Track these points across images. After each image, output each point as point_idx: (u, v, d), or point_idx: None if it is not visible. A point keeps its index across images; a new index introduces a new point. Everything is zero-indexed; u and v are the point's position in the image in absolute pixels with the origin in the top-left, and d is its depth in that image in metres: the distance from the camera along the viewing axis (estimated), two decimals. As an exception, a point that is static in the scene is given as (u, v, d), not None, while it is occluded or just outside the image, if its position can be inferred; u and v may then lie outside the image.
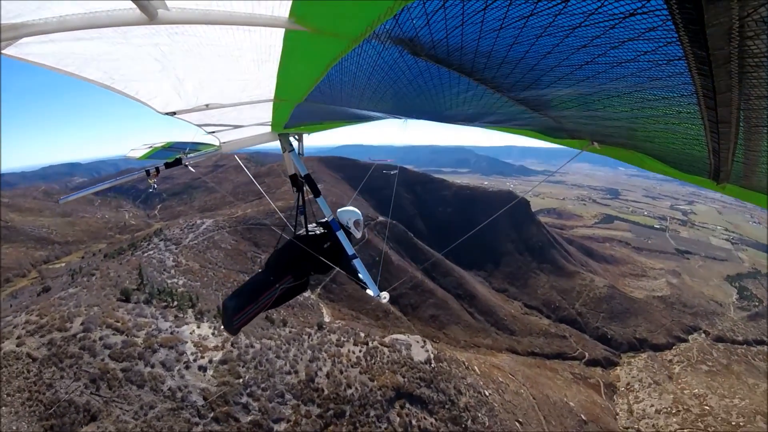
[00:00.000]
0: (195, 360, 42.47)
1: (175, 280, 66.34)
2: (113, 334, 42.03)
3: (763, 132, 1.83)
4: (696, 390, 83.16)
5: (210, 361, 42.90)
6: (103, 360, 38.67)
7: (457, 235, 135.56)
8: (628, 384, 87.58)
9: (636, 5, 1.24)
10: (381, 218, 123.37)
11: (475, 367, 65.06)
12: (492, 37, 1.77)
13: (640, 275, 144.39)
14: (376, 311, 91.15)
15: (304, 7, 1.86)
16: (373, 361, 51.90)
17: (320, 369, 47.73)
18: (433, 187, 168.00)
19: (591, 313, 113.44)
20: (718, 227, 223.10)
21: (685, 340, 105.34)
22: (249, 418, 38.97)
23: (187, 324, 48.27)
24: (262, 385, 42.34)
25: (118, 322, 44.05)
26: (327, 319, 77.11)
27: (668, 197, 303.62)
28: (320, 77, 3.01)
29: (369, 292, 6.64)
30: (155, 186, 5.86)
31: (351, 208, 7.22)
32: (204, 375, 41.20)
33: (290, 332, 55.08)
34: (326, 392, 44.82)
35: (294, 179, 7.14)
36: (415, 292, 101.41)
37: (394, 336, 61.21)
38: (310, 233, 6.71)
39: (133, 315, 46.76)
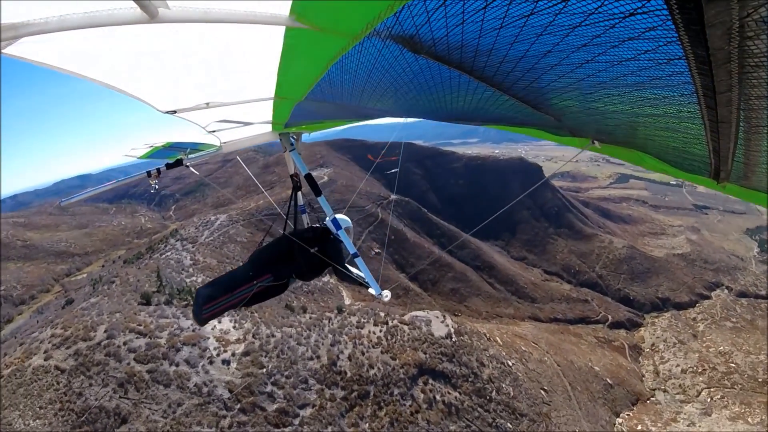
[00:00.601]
0: (218, 354, 43.19)
1: (194, 279, 66.79)
2: (136, 338, 42.88)
3: (763, 132, 1.83)
4: (721, 347, 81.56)
5: (233, 354, 43.60)
6: (128, 364, 39.60)
7: (471, 207, 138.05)
8: (652, 345, 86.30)
9: (636, 5, 1.24)
10: (393, 196, 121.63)
11: (497, 338, 64.73)
12: (492, 35, 1.77)
13: (659, 233, 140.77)
14: (396, 290, 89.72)
15: (305, 4, 1.87)
16: (393, 340, 51.92)
17: (342, 352, 47.95)
18: (443, 160, 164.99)
19: (612, 275, 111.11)
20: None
21: (708, 297, 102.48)
22: (275, 406, 39.60)
23: None
24: (286, 373, 42.86)
25: (140, 325, 44.87)
26: (347, 301, 76.77)
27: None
28: (321, 75, 3.01)
29: (371, 291, 6.57)
30: (156, 187, 5.94)
31: (343, 216, 7.03)
32: (228, 368, 41.96)
33: (310, 318, 55.24)
34: (349, 374, 45.13)
35: (293, 178, 7.09)
36: (434, 267, 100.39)
37: (414, 313, 61.17)
38: (298, 235, 6.52)
39: (154, 317, 47.52)
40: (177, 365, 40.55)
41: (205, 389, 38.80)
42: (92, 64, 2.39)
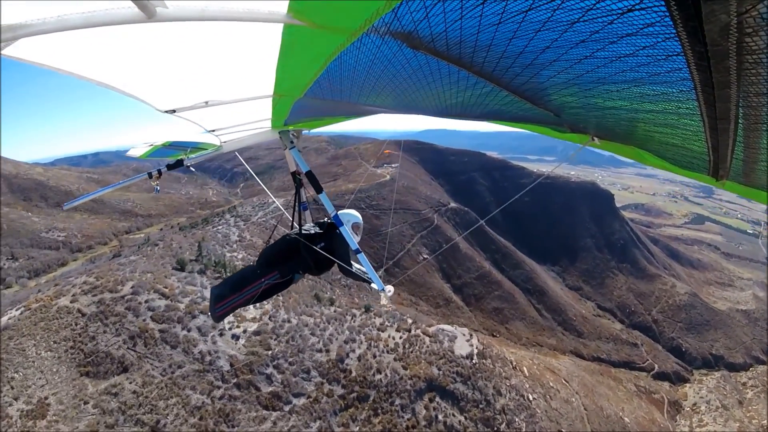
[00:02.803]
0: (230, 329, 44.44)
1: (235, 254, 68.16)
2: (159, 298, 45.36)
3: (762, 129, 1.82)
4: (765, 421, 75.04)
5: (244, 331, 44.66)
6: (144, 320, 42.03)
7: (534, 226, 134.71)
8: (694, 404, 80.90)
9: (634, 1, 1.24)
10: (453, 204, 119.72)
11: (524, 368, 61.49)
12: (491, 31, 1.77)
13: (726, 284, 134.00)
14: (437, 298, 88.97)
15: (303, 2, 1.87)
16: (411, 350, 50.91)
17: (353, 351, 47.76)
18: (511, 174, 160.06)
19: (668, 321, 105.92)
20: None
21: (764, 363, 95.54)
22: (270, 389, 40.29)
23: None
24: (290, 360, 43.39)
25: (166, 288, 47.27)
26: (384, 301, 76.01)
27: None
28: (319, 72, 3.01)
29: (373, 286, 6.52)
30: (158, 189, 6.01)
31: (351, 211, 7.13)
32: (236, 343, 43.12)
33: (334, 312, 55.16)
34: (354, 374, 44.95)
35: (294, 176, 7.09)
36: (481, 283, 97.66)
37: (441, 326, 59.01)
38: (303, 232, 6.66)
39: (182, 283, 49.60)
40: (188, 330, 42.46)
41: (207, 358, 40.30)
42: (91, 64, 2.40)
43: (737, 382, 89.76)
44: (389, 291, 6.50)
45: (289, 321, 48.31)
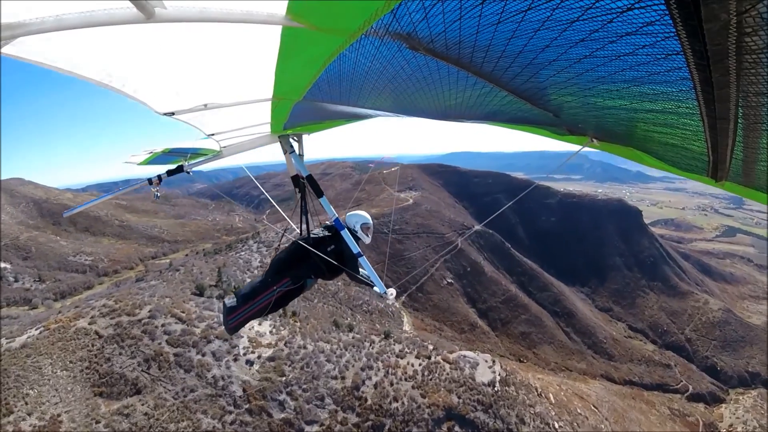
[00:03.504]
0: (245, 354, 44.14)
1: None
2: (175, 323, 45.40)
3: (762, 129, 1.81)
4: None
5: (258, 357, 44.26)
6: (159, 344, 42.16)
7: (561, 247, 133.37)
8: (730, 425, 77.36)
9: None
10: (476, 227, 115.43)
11: (551, 395, 58.97)
12: (490, 30, 1.77)
13: (760, 297, 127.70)
14: (462, 324, 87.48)
15: (302, 4, 1.87)
16: (430, 377, 49.14)
17: (369, 378, 46.56)
18: (536, 194, 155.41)
19: (702, 339, 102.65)
20: None
21: None
22: (282, 416, 39.72)
23: None
24: (304, 386, 42.69)
25: (183, 312, 47.25)
26: (407, 327, 75.88)
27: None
28: (318, 74, 3.02)
29: (375, 289, 6.51)
30: (158, 195, 5.96)
31: (360, 212, 7.14)
32: (249, 369, 42.78)
33: (353, 338, 54.05)
34: (369, 402, 43.80)
35: (295, 180, 7.10)
36: (507, 307, 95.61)
37: (462, 352, 56.82)
38: (312, 236, 6.66)
39: (200, 308, 49.52)
40: (203, 355, 42.40)
41: (221, 383, 40.15)
42: (89, 63, 2.40)
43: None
44: (391, 294, 6.42)
45: (304, 347, 47.69)
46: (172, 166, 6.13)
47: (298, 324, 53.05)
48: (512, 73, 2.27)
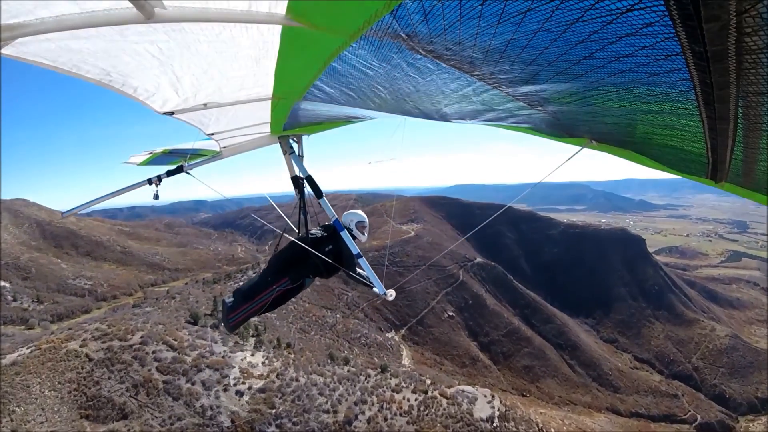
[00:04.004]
0: (235, 384, 43.65)
1: None
2: (167, 350, 45.29)
3: (762, 129, 1.81)
4: None
5: (249, 388, 43.70)
6: (149, 370, 41.90)
7: (565, 278, 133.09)
8: None
9: (633, 0, 1.24)
10: (479, 259, 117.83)
11: (552, 430, 58.17)
12: (490, 32, 1.77)
13: None
14: (463, 357, 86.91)
15: (301, 4, 1.88)
16: (426, 412, 47.43)
17: (363, 413, 45.41)
18: (539, 225, 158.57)
19: (709, 367, 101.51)
20: None
21: None
22: None
23: (242, 351, 49.82)
24: (294, 419, 41.80)
25: (175, 340, 47.20)
26: (406, 361, 75.43)
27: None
28: (318, 74, 3.03)
29: (375, 290, 6.51)
30: (158, 195, 5.93)
31: (356, 210, 7.21)
32: (239, 400, 42.19)
33: (348, 371, 53.41)
34: (362, 437, 43.24)
35: (295, 181, 7.12)
36: (509, 340, 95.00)
37: (461, 387, 55.23)
38: (310, 236, 6.71)
39: (193, 336, 49.46)
40: (193, 384, 42.02)
41: (209, 413, 39.61)
42: (89, 63, 2.40)
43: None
44: (390, 295, 6.43)
45: (297, 380, 47.01)
46: (172, 167, 6.14)
47: (292, 356, 52.83)
48: (511, 75, 2.28)
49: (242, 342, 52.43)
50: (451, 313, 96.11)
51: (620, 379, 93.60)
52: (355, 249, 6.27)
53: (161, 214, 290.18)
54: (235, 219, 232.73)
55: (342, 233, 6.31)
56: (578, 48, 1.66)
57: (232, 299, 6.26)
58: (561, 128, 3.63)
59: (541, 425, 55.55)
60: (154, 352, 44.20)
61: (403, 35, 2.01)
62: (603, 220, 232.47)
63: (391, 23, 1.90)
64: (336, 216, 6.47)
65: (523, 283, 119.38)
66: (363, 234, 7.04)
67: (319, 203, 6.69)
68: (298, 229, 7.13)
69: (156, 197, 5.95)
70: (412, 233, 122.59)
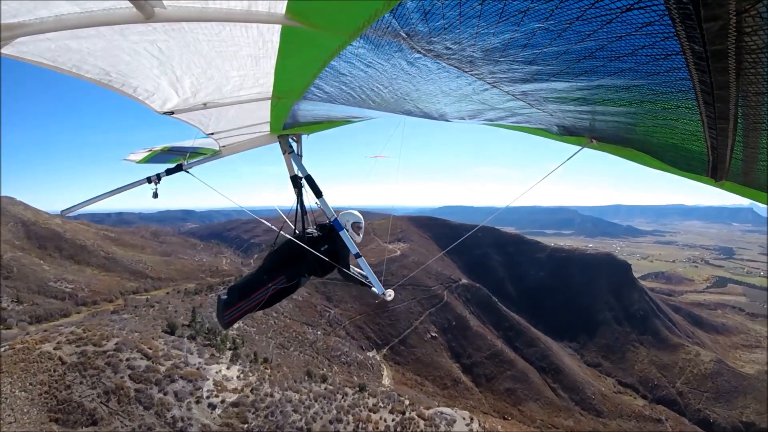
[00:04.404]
0: (208, 397, 43.12)
1: None
2: (140, 358, 44.65)
3: (762, 129, 1.81)
4: None
5: (222, 401, 43.15)
6: (122, 378, 41.33)
7: (550, 301, 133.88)
8: None
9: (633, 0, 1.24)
10: (464, 280, 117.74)
11: None
12: (489, 31, 1.77)
13: (753, 346, 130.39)
14: (444, 379, 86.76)
15: (301, 3, 1.88)
16: None
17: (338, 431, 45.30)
18: (526, 248, 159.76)
19: (693, 392, 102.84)
20: None
21: None
22: None
23: (218, 363, 49.31)
24: (266, 436, 41.82)
25: (150, 349, 46.57)
26: (386, 381, 75.01)
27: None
28: (318, 73, 3.03)
29: (374, 290, 6.62)
30: (157, 193, 5.86)
31: (352, 211, 7.19)
32: (211, 413, 41.66)
33: (325, 389, 52.76)
34: (334, 457, 42.65)
35: (294, 180, 7.13)
36: (492, 362, 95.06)
37: (440, 408, 54.25)
38: (307, 235, 6.72)
39: (168, 346, 48.89)
40: (165, 394, 41.33)
41: (179, 424, 39.06)
42: (89, 63, 2.40)
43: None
44: (390, 295, 6.56)
45: (271, 395, 46.32)
46: (171, 165, 6.10)
47: (269, 371, 52.26)
48: (511, 74, 2.28)
49: (218, 354, 51.89)
50: (434, 334, 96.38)
51: (603, 404, 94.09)
52: (354, 248, 6.33)
53: (149, 221, 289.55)
54: (223, 230, 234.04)
55: (341, 233, 6.35)
56: (578, 47, 1.67)
57: (227, 296, 6.23)
58: (561, 127, 3.64)
59: (522, 449, 54.31)
60: (127, 359, 43.56)
61: (403, 34, 2.01)
62: (590, 245, 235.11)
63: (391, 22, 1.89)
64: (335, 215, 6.52)
65: (507, 305, 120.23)
66: (358, 235, 7.04)
67: (317, 202, 6.69)
68: (295, 228, 7.15)
69: (155, 196, 5.89)
70: (398, 252, 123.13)
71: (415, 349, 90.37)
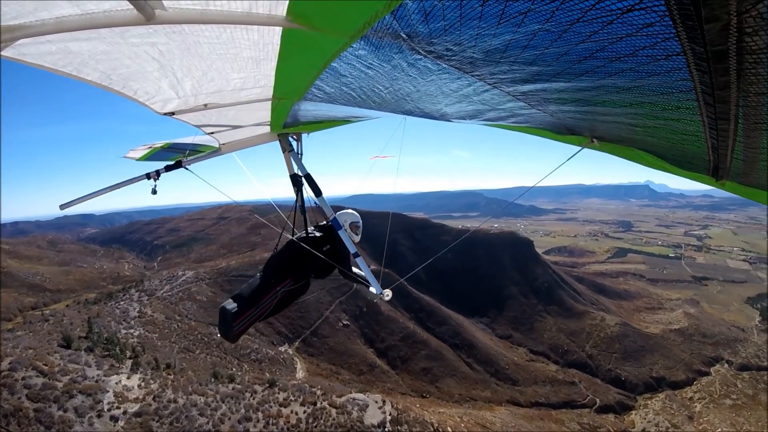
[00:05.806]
0: (110, 410, 41.38)
1: (131, 331, 67.45)
2: (36, 376, 42.35)
3: (762, 129, 1.82)
4: (719, 429, 76.83)
5: (124, 413, 41.53)
6: (19, 398, 38.99)
7: (459, 281, 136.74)
8: (643, 430, 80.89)
9: (634, 0, 1.23)
10: (373, 267, 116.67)
11: (448, 428, 57.51)
12: (490, 32, 1.77)
13: (656, 308, 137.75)
14: (360, 365, 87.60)
15: (302, 5, 1.87)
16: (315, 424, 46.74)
17: (247, 430, 42.89)
18: (432, 232, 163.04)
19: (603, 354, 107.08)
20: (735, 248, 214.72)
21: (707, 374, 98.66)
22: None
23: (117, 374, 47.61)
24: (172, 442, 40.63)
25: (46, 365, 44.43)
26: (300, 374, 74.70)
27: (682, 224, 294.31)
28: (318, 74, 3.02)
29: (372, 289, 6.57)
30: (156, 190, 5.88)
31: (350, 211, 7.22)
32: (114, 425, 40.06)
33: (232, 389, 50.91)
34: (245, 456, 42.02)
35: (294, 179, 7.07)
36: (406, 344, 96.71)
37: (352, 395, 55.11)
38: (309, 235, 6.69)
39: (65, 361, 46.77)
40: (65, 411, 39.33)
41: None
42: (89, 65, 2.39)
43: (684, 398, 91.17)
44: (387, 295, 6.46)
45: (175, 401, 44.96)
46: (171, 162, 6.12)
47: (171, 377, 50.74)
48: (512, 75, 2.28)
49: (118, 365, 50.38)
50: (345, 322, 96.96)
51: (517, 373, 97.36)
52: (352, 248, 6.31)
53: (46, 229, 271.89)
54: (124, 234, 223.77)
55: (340, 232, 6.32)
56: (579, 48, 1.67)
57: (235, 305, 5.93)
58: (562, 127, 3.65)
59: (436, 425, 55.75)
60: (23, 378, 41.13)
61: (404, 35, 2.01)
62: (495, 225, 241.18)
63: (392, 23, 1.89)
64: (334, 214, 6.50)
65: (418, 288, 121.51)
66: (356, 234, 7.06)
67: (315, 202, 6.67)
68: (294, 227, 7.12)
69: (154, 192, 5.88)
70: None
71: (328, 339, 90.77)
